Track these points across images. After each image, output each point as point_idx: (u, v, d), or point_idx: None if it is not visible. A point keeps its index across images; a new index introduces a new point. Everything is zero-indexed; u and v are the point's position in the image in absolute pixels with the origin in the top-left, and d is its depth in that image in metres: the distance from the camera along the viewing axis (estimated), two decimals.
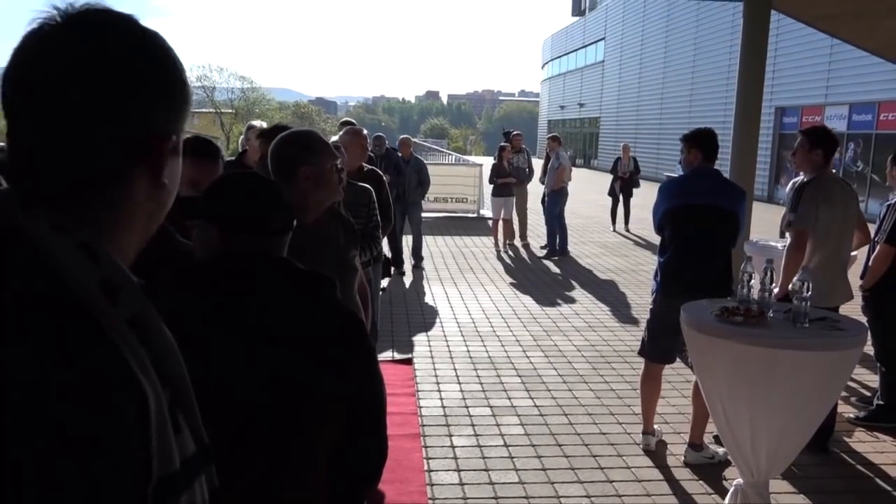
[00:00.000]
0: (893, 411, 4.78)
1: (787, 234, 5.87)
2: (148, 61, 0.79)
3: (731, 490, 3.33)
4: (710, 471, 4.06)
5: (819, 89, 21.01)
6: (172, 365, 0.76)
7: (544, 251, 11.47)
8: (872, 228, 4.81)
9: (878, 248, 4.65)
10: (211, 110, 46.13)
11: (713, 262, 4.07)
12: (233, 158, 6.42)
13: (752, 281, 3.41)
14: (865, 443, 4.55)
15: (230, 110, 46.20)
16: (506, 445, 4.31)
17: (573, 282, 9.36)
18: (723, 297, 3.69)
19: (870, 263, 4.70)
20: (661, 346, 4.28)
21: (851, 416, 4.88)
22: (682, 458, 4.18)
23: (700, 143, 4.19)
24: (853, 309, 4.35)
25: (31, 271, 0.67)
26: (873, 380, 5.42)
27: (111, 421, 0.64)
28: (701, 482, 3.93)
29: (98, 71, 0.74)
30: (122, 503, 0.64)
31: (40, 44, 0.74)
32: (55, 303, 0.66)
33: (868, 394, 5.27)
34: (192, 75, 46.77)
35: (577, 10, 52.69)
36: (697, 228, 4.11)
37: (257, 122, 6.40)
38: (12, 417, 0.59)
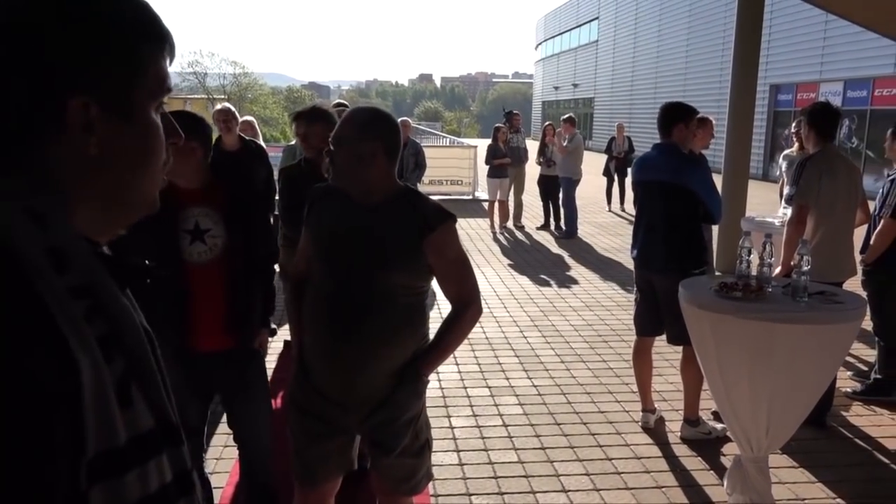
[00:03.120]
0: (891, 385, 4.80)
1: (782, 208, 5.86)
2: (53, 9, 0.72)
3: (731, 465, 3.33)
4: (709, 447, 4.07)
5: (814, 66, 20.92)
6: (130, 336, 0.73)
7: (545, 231, 11.53)
8: (871, 205, 4.79)
9: (882, 222, 4.63)
10: (203, 96, 45.81)
11: (660, 236, 4.08)
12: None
13: (751, 256, 3.39)
14: (863, 416, 4.56)
15: (222, 96, 45.89)
16: (504, 425, 4.31)
17: (570, 262, 9.35)
18: (681, 272, 3.72)
19: (872, 238, 4.68)
20: (640, 318, 4.36)
21: (849, 390, 4.89)
22: (679, 433, 4.19)
23: (657, 120, 4.21)
24: (852, 283, 4.34)
25: None
26: (870, 354, 5.43)
27: (27, 389, 0.61)
28: (699, 458, 3.94)
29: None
30: (38, 473, 0.62)
31: None
32: None
33: (865, 368, 5.28)
34: (183, 61, 46.43)
35: None
36: (645, 203, 4.21)
37: (220, 105, 6.33)
38: None
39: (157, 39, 0.80)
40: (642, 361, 4.38)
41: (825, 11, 15.82)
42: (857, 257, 4.62)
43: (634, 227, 4.33)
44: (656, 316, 4.18)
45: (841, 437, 4.27)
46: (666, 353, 5.16)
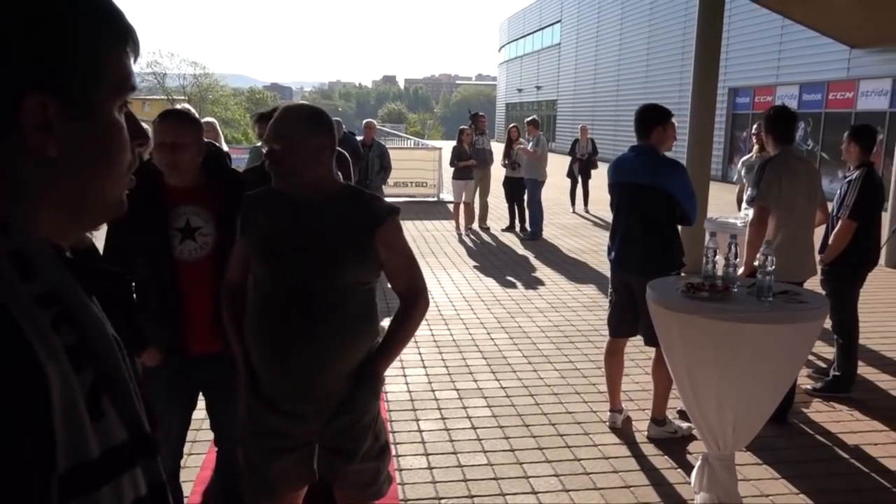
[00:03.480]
0: (849, 382, 4.91)
1: (743, 209, 5.96)
2: (4, 2, 0.67)
3: (698, 464, 3.37)
4: (675, 445, 4.11)
5: (770, 70, 21.39)
6: (99, 345, 0.70)
7: (511, 233, 11.60)
8: (829, 206, 4.90)
9: (840, 222, 4.74)
10: (162, 97, 45.09)
11: (639, 238, 4.10)
12: None
13: (717, 257, 3.44)
14: (823, 413, 4.65)
15: (182, 97, 45.20)
16: (473, 428, 4.30)
17: (535, 263, 9.40)
18: (659, 274, 3.75)
19: (831, 238, 4.79)
20: (613, 320, 4.37)
21: (809, 387, 4.99)
22: (646, 433, 4.23)
23: (634, 122, 4.23)
24: (812, 283, 4.43)
25: None
26: (828, 351, 5.55)
27: None
28: (666, 457, 3.98)
29: None
30: (6, 491, 0.58)
31: None
32: None
33: (824, 365, 5.39)
34: (142, 61, 45.65)
35: None
36: (623, 206, 4.22)
37: (180, 106, 6.21)
38: None
39: (120, 35, 0.76)
40: (614, 362, 4.40)
41: (782, 17, 16.20)
42: (817, 257, 4.72)
43: (612, 230, 4.34)
44: (632, 317, 4.20)
45: (802, 434, 4.35)
46: (632, 354, 5.21)
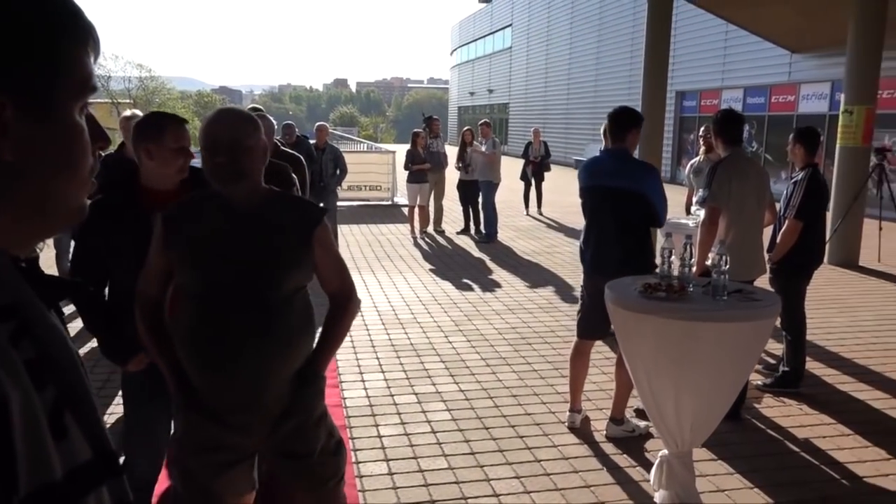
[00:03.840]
0: (798, 377, 5.04)
1: (694, 211, 6.08)
2: None
3: (657, 462, 3.41)
4: (633, 444, 4.16)
5: (716, 74, 21.93)
6: (61, 359, 0.67)
7: (465, 236, 11.60)
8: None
9: (786, 222, 4.86)
10: (107, 100, 43.91)
11: (615, 241, 4.12)
12: (112, 151, 5.95)
13: (672, 257, 3.49)
14: (774, 408, 4.77)
15: (128, 100, 44.09)
16: (433, 432, 4.28)
17: (490, 266, 9.43)
18: (635, 275, 3.76)
19: (779, 237, 4.92)
20: (585, 322, 4.38)
21: (759, 383, 5.11)
22: (605, 432, 4.26)
23: (608, 124, 4.26)
24: (761, 281, 4.54)
25: None
26: (777, 348, 5.69)
27: None
28: (625, 455, 4.02)
29: None
30: None
31: None
32: None
33: (773, 361, 5.52)
34: None
35: None
36: (598, 209, 4.21)
37: (129, 112, 6.04)
38: None
39: (80, 33, 0.72)
40: (581, 364, 4.41)
41: (726, 22, 16.64)
42: (766, 256, 4.84)
43: (585, 234, 4.32)
44: (605, 319, 4.19)
45: (755, 429, 4.45)
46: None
